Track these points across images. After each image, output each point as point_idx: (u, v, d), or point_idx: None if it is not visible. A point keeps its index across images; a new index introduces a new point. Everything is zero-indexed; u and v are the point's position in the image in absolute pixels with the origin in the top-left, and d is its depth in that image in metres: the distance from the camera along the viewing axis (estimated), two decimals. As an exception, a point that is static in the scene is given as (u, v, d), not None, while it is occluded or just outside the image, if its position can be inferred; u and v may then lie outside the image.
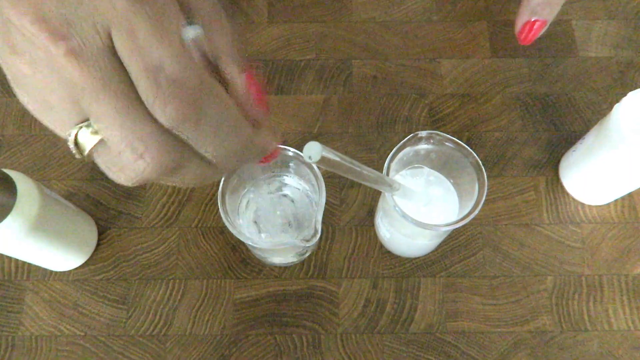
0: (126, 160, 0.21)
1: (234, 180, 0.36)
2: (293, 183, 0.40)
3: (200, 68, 0.21)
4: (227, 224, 0.34)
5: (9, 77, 0.22)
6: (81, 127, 0.21)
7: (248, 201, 0.39)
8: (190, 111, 0.20)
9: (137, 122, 0.20)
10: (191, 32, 0.20)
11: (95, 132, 0.21)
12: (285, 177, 0.40)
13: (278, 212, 0.40)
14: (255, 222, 0.39)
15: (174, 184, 0.24)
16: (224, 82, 0.22)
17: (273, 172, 0.40)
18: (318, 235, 0.33)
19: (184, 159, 0.22)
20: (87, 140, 0.22)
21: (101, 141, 0.22)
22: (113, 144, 0.21)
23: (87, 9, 0.19)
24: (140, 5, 0.19)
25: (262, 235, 0.39)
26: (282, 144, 0.36)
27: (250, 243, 0.34)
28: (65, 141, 0.23)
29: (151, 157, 0.21)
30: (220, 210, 0.34)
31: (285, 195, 0.40)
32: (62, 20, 0.19)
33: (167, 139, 0.21)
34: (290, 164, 0.38)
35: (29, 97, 0.22)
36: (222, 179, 0.35)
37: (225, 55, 0.22)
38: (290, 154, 0.36)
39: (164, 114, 0.20)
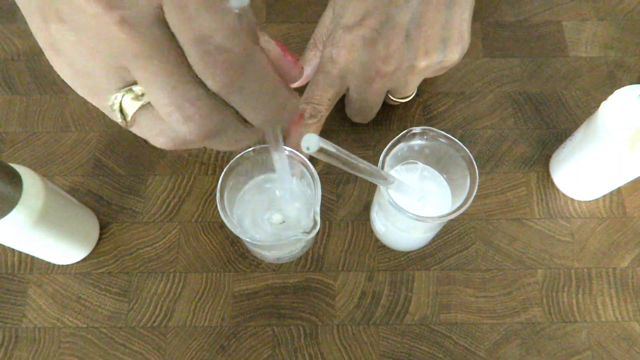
0: (174, 121, 0.22)
1: (230, 181, 0.37)
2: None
3: (245, 36, 0.22)
4: (226, 222, 0.35)
5: (46, 45, 0.23)
6: (125, 93, 0.23)
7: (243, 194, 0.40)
8: (237, 76, 0.22)
9: (186, 87, 0.21)
10: (237, 2, 0.21)
11: (137, 98, 0.23)
12: (276, 175, 0.41)
13: (264, 207, 0.40)
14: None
15: (209, 147, 0.25)
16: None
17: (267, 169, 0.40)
18: (318, 227, 0.34)
19: (226, 121, 0.23)
20: (131, 105, 0.23)
21: (143, 107, 0.23)
22: (162, 107, 0.22)
23: None
24: None
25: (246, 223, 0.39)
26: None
27: (249, 240, 0.35)
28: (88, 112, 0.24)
29: (199, 118, 0.22)
30: (219, 208, 0.35)
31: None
32: None
33: (214, 103, 0.22)
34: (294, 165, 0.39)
35: (67, 65, 0.23)
36: (220, 179, 0.36)
37: (258, 24, 0.24)
38: (286, 152, 0.37)
39: (213, 80, 0.21)
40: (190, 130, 0.22)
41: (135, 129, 0.24)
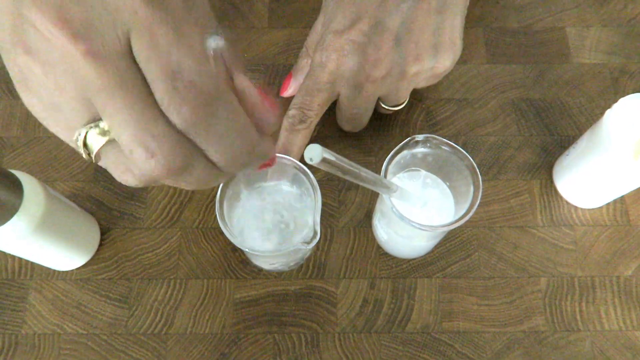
0: (137, 157, 0.22)
1: (229, 191, 0.37)
2: (283, 188, 0.41)
3: (217, 75, 0.22)
4: (225, 232, 0.34)
5: (16, 78, 0.22)
6: (90, 128, 0.22)
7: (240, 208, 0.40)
8: (203, 115, 0.21)
9: (150, 122, 0.21)
10: (213, 42, 0.21)
11: (104, 133, 0.22)
12: (276, 183, 0.40)
13: (264, 216, 0.40)
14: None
15: (176, 186, 0.24)
16: (236, 91, 0.23)
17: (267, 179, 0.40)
18: (318, 237, 0.34)
19: (191, 160, 0.23)
20: (96, 140, 0.22)
21: (109, 142, 0.22)
22: (125, 142, 0.21)
23: (109, 13, 0.20)
24: (161, 12, 0.20)
25: (247, 238, 0.39)
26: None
27: (248, 250, 0.34)
28: (68, 144, 0.24)
29: (162, 155, 0.22)
30: (219, 218, 0.34)
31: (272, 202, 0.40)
32: (84, 22, 0.19)
33: (178, 140, 0.22)
34: (285, 172, 0.39)
35: (36, 99, 0.22)
36: (219, 188, 0.35)
37: (237, 66, 0.23)
38: (287, 162, 0.37)
39: (178, 116, 0.21)
40: (154, 167, 0.22)
41: (102, 164, 0.24)
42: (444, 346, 0.40)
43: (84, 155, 0.23)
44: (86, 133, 0.22)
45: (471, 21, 0.52)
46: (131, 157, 0.22)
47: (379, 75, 0.38)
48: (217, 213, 0.35)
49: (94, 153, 0.23)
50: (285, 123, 0.42)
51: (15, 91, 0.48)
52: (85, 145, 0.23)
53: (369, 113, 0.43)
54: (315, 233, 0.34)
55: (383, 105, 0.44)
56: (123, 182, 0.24)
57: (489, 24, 0.52)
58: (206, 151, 0.23)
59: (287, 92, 0.45)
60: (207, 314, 0.41)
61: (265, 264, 0.41)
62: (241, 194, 0.40)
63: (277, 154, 0.37)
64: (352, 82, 0.39)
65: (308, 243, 0.34)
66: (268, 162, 0.27)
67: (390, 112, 0.45)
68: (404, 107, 0.46)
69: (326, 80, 0.40)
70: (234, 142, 0.23)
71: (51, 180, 0.45)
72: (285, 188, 0.40)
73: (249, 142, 0.24)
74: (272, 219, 0.39)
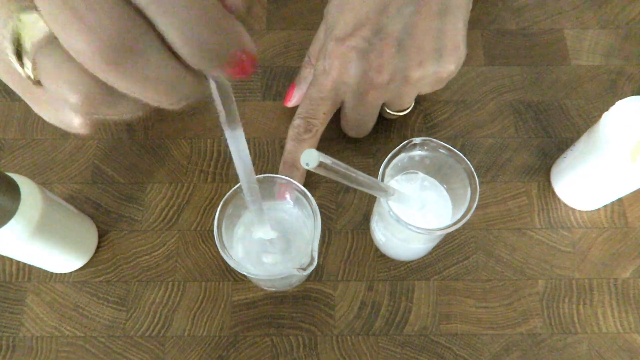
0: (69, 33, 0.18)
1: (229, 209, 0.36)
2: (284, 208, 0.40)
3: None
4: (224, 256, 0.34)
5: None
6: (21, 13, 0.19)
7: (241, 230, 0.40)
8: None
9: None
10: None
11: (36, 20, 0.19)
12: (280, 204, 0.40)
13: (262, 238, 0.39)
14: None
15: (131, 88, 0.19)
16: None
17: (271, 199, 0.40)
18: (315, 264, 0.33)
19: (140, 38, 0.18)
20: (28, 33, 0.19)
21: (47, 40, 0.19)
22: (54, 15, 0.17)
23: None
24: None
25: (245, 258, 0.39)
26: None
27: (246, 273, 0.34)
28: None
29: (101, 26, 0.17)
30: (217, 242, 0.34)
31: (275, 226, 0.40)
32: None
33: (120, 9, 0.18)
34: (287, 194, 0.39)
35: None
36: (218, 209, 0.35)
37: None
38: (284, 182, 0.37)
39: None
40: (90, 44, 0.17)
41: (39, 93, 0.21)
42: (442, 349, 0.40)
43: (15, 64, 0.20)
44: (18, 22, 0.19)
45: (469, 23, 0.52)
46: (64, 35, 0.18)
47: (383, 81, 0.38)
48: (215, 235, 0.34)
49: (30, 53, 0.19)
50: (291, 133, 0.41)
51: (14, 93, 0.48)
52: (18, 46, 0.19)
53: (374, 119, 0.43)
54: (312, 259, 0.33)
55: (388, 111, 0.44)
56: (72, 104, 0.20)
57: (487, 25, 0.52)
58: (156, 23, 0.18)
59: (291, 102, 0.45)
60: (204, 317, 0.41)
61: (262, 285, 0.41)
62: (241, 213, 0.39)
63: (280, 176, 0.37)
64: (356, 89, 0.39)
65: (304, 269, 0.33)
66: (247, 60, 0.20)
67: (395, 117, 0.45)
68: (409, 112, 0.46)
69: (330, 87, 0.40)
70: (188, 12, 0.18)
71: (49, 182, 0.45)
72: (286, 208, 0.40)
73: (212, 16, 0.19)
74: (270, 241, 0.39)
